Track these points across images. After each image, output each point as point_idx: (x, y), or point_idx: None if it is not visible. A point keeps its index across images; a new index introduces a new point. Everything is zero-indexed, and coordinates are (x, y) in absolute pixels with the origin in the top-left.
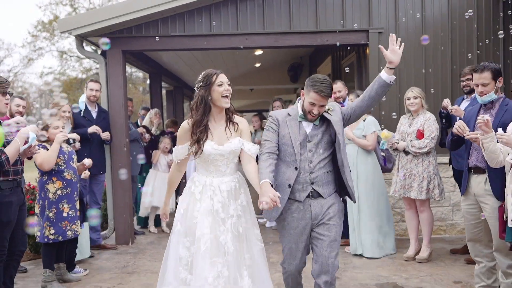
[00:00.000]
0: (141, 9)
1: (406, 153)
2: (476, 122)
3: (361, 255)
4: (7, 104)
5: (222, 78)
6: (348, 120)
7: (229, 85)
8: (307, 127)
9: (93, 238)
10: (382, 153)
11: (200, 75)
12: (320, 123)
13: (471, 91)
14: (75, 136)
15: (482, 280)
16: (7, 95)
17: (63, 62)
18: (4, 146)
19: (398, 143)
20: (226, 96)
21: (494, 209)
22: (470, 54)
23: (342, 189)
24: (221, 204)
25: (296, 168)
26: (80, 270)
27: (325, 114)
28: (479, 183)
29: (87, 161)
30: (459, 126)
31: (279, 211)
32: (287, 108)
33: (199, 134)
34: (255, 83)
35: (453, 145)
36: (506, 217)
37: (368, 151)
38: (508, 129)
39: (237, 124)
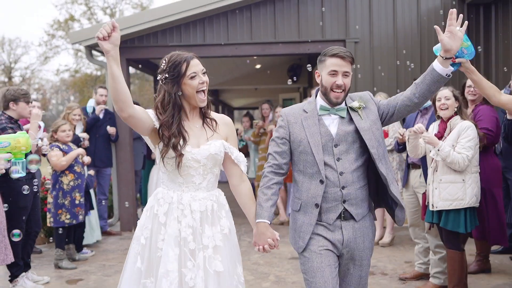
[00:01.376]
0: (142, 22)
1: None
2: (415, 127)
3: None
4: (30, 111)
5: (195, 66)
6: (388, 119)
7: (204, 73)
8: (332, 124)
9: (100, 225)
10: None
11: (163, 62)
12: (347, 116)
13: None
14: (85, 135)
15: (420, 258)
16: (30, 103)
17: (78, 59)
18: None
19: None
20: (202, 91)
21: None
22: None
23: (378, 206)
24: (192, 230)
25: (322, 182)
26: (87, 251)
27: (353, 115)
28: (415, 177)
29: (86, 159)
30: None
31: (306, 239)
32: (303, 102)
33: (174, 138)
34: (258, 83)
35: (401, 147)
36: (428, 202)
37: None
38: (429, 129)
39: (214, 120)
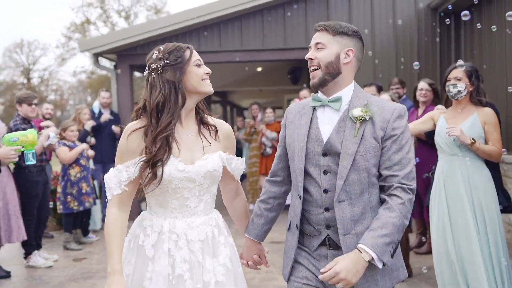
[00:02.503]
0: (141, 32)
1: None
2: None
3: None
4: (32, 111)
5: (197, 55)
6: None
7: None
8: (327, 125)
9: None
10: None
11: (157, 51)
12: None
13: (400, 96)
14: (90, 125)
15: None
16: (33, 105)
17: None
18: None
19: None
20: (207, 80)
21: None
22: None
23: None
24: (189, 265)
25: (299, 197)
26: (93, 236)
27: (348, 126)
28: None
29: (90, 152)
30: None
31: (289, 267)
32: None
33: (158, 150)
34: (262, 84)
35: None
36: None
37: None
38: None
39: (214, 127)
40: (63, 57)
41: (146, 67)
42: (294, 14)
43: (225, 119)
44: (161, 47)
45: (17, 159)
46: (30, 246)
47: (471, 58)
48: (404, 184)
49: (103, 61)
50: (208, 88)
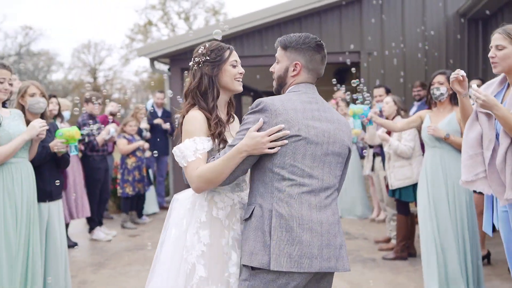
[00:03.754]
0: (190, 40)
1: None
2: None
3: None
4: (96, 109)
5: (236, 56)
6: None
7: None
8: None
9: (159, 201)
10: (360, 144)
11: (203, 47)
12: None
13: (420, 98)
14: (147, 126)
15: (390, 224)
16: (96, 104)
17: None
18: (84, 139)
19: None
20: (239, 80)
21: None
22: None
23: None
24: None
25: None
26: (146, 218)
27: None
28: (378, 163)
29: (146, 145)
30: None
31: None
32: None
33: (219, 128)
34: None
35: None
36: (387, 182)
37: None
38: (380, 130)
39: (233, 117)
40: (126, 58)
41: (192, 58)
42: (329, 21)
43: None
44: (207, 44)
45: (64, 150)
46: (93, 222)
47: None
48: None
49: (159, 65)
50: (238, 87)
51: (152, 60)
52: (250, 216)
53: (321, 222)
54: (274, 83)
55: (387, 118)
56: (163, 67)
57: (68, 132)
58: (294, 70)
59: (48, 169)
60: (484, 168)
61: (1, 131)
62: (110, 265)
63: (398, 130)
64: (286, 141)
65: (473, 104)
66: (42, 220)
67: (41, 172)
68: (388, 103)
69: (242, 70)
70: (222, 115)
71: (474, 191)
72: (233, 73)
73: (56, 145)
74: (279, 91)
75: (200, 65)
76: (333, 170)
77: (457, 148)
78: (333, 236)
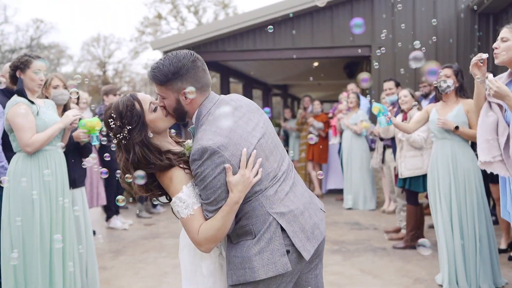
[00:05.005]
0: (204, 33)
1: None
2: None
3: (350, 208)
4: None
5: (147, 98)
6: None
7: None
8: None
9: None
10: (370, 136)
11: (112, 118)
12: None
13: (427, 94)
14: None
15: (400, 215)
16: (117, 95)
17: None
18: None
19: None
20: (163, 117)
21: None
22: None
23: None
24: None
25: None
26: (160, 208)
27: None
28: (389, 155)
29: None
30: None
31: None
32: None
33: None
34: (320, 78)
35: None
36: (397, 172)
37: (357, 135)
38: (396, 118)
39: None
40: (136, 51)
41: (112, 137)
42: (340, 15)
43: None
44: (112, 112)
45: (86, 140)
46: (110, 211)
47: None
48: None
49: None
50: (168, 124)
51: (165, 53)
52: (250, 235)
53: (301, 198)
54: (175, 117)
55: (404, 112)
56: None
57: (90, 122)
58: (186, 98)
59: (72, 157)
60: (500, 152)
61: (38, 119)
62: (127, 252)
63: (412, 131)
64: (260, 159)
65: (488, 95)
66: None
67: (65, 160)
68: (406, 96)
69: (157, 103)
70: (170, 144)
71: (491, 182)
72: (159, 117)
73: (79, 135)
74: (184, 120)
75: (128, 138)
76: (280, 149)
77: (466, 139)
78: (311, 203)
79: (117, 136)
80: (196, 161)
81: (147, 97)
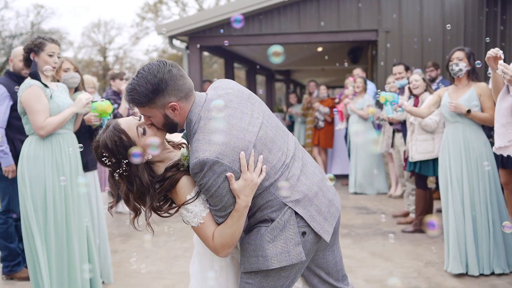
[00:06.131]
0: (209, 17)
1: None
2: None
3: (355, 193)
4: (124, 85)
5: (132, 126)
6: None
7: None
8: None
9: None
10: (377, 121)
11: (104, 156)
12: None
13: (434, 79)
14: None
15: (408, 199)
16: (124, 80)
17: (165, 40)
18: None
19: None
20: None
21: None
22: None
23: None
24: None
25: None
26: None
27: None
28: (399, 139)
29: None
30: None
31: None
32: None
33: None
34: (323, 64)
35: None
36: (407, 156)
37: (364, 120)
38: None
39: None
40: (137, 36)
41: (113, 173)
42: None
43: (287, 97)
44: (102, 151)
45: (98, 123)
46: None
47: None
48: None
49: (176, 43)
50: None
51: (171, 38)
52: (263, 223)
53: (313, 178)
54: (166, 130)
55: (416, 96)
56: (179, 44)
57: (101, 106)
58: (173, 110)
59: (84, 140)
60: None
61: (52, 103)
62: (137, 236)
63: (426, 116)
64: (261, 156)
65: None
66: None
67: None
68: (417, 80)
69: (147, 123)
70: (170, 153)
71: (501, 167)
72: (154, 140)
73: (90, 118)
74: (176, 131)
75: (127, 170)
76: (281, 132)
77: (478, 123)
78: (323, 179)
79: (117, 171)
80: (197, 174)
81: (131, 123)
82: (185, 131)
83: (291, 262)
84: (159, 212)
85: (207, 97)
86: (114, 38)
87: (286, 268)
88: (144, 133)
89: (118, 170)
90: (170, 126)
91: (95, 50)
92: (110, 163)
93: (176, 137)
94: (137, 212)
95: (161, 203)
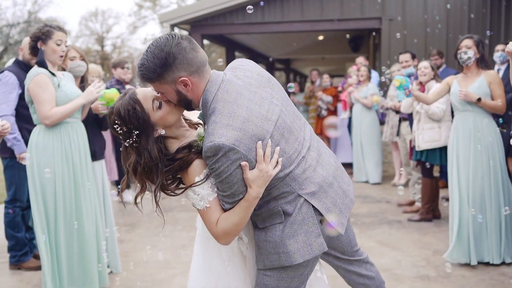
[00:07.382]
0: (212, 5)
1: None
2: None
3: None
4: (125, 73)
5: (147, 97)
6: None
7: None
8: None
9: None
10: (381, 110)
11: (116, 124)
12: None
13: (439, 67)
14: None
15: (413, 189)
16: (125, 68)
17: (164, 29)
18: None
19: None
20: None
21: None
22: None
23: None
24: None
25: None
26: None
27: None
28: (405, 127)
29: None
30: None
31: None
32: None
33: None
34: (324, 52)
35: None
36: (414, 145)
37: (368, 109)
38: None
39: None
40: (134, 25)
41: (124, 142)
42: None
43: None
44: (115, 118)
45: (105, 112)
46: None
47: None
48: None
49: (178, 31)
50: (176, 117)
51: (173, 26)
52: (282, 216)
53: (329, 168)
54: (183, 107)
55: (422, 84)
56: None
57: (109, 94)
58: (185, 86)
59: (91, 129)
60: None
61: (59, 92)
62: (143, 225)
63: (431, 102)
64: (278, 148)
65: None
66: None
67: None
68: (426, 68)
69: (163, 99)
70: (186, 131)
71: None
72: (165, 116)
73: (97, 107)
74: (193, 108)
75: (138, 141)
76: (297, 121)
77: (489, 111)
78: (338, 168)
79: (128, 141)
80: (210, 158)
81: (148, 94)
82: (201, 111)
83: (314, 255)
84: (166, 191)
85: (224, 77)
86: (111, 27)
87: (306, 261)
88: (160, 107)
89: (129, 140)
90: (185, 103)
91: (92, 39)
92: (121, 131)
93: (194, 115)
94: (143, 186)
95: (169, 181)
